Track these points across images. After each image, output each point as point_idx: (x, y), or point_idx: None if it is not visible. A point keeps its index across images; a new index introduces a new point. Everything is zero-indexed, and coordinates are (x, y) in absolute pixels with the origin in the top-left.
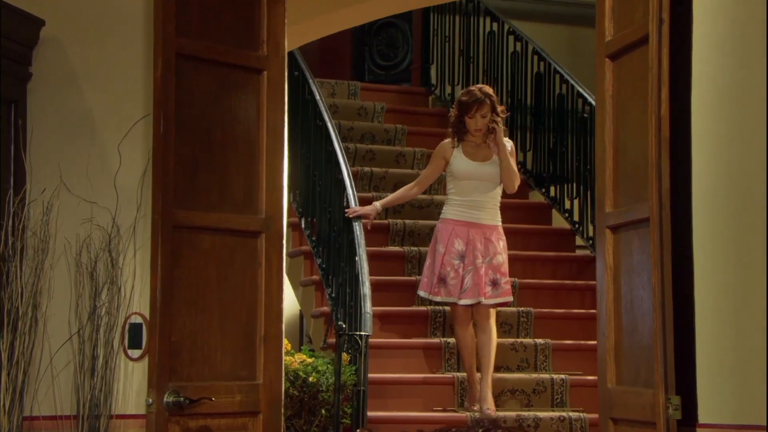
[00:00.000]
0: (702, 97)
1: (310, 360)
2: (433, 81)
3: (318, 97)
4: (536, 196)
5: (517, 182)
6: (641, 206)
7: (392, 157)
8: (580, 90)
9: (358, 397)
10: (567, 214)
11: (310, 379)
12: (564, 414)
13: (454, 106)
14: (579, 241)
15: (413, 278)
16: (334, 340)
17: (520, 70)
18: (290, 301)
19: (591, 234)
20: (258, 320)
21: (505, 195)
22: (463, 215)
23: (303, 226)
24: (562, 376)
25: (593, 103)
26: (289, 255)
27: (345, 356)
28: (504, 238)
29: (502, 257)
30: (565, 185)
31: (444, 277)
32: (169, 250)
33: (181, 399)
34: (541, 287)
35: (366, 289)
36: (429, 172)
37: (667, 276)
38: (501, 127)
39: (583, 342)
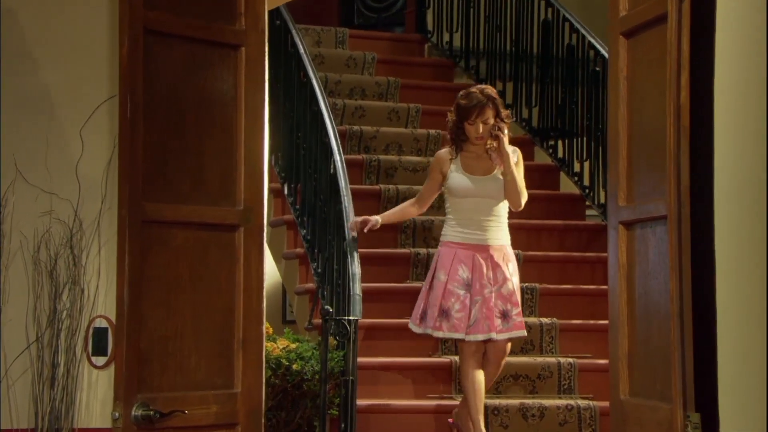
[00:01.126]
0: (726, 83)
1: (293, 345)
2: (430, 27)
3: (302, 51)
4: (542, 157)
5: (524, 199)
6: (658, 202)
7: (384, 114)
8: (592, 40)
9: (346, 387)
10: (576, 178)
11: (294, 366)
12: (572, 402)
13: (451, 110)
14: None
15: (407, 251)
16: (320, 320)
17: (526, 17)
18: (272, 275)
19: (603, 200)
20: (236, 322)
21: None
22: (465, 237)
23: (286, 192)
24: (570, 360)
25: (606, 55)
26: (270, 224)
27: (332, 340)
28: (514, 258)
29: (512, 283)
30: (575, 146)
31: (447, 309)
32: (137, 247)
33: (151, 413)
34: (546, 260)
35: (355, 267)
36: (428, 188)
37: (686, 281)
38: (506, 135)
39: (593, 321)
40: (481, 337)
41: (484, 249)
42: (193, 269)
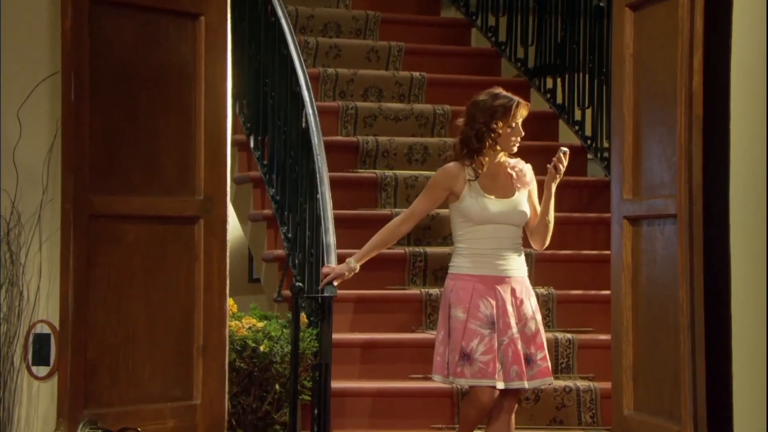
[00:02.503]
0: (743, 67)
1: (260, 324)
2: None
3: None
4: (539, 103)
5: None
6: (667, 199)
7: (362, 54)
8: None
9: (320, 371)
10: (577, 127)
11: (261, 348)
12: (570, 384)
13: (470, 113)
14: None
15: (388, 212)
16: (290, 291)
17: None
18: (236, 237)
19: (606, 152)
20: (195, 326)
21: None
22: (485, 268)
23: (252, 145)
24: (569, 336)
25: None
26: (234, 181)
27: (304, 317)
28: (533, 292)
29: (536, 323)
30: (576, 91)
31: (470, 352)
32: (83, 245)
33: (99, 431)
34: None
35: (330, 237)
36: (424, 205)
37: (698, 289)
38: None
39: (594, 292)
40: (515, 384)
41: (505, 281)
42: (147, 268)
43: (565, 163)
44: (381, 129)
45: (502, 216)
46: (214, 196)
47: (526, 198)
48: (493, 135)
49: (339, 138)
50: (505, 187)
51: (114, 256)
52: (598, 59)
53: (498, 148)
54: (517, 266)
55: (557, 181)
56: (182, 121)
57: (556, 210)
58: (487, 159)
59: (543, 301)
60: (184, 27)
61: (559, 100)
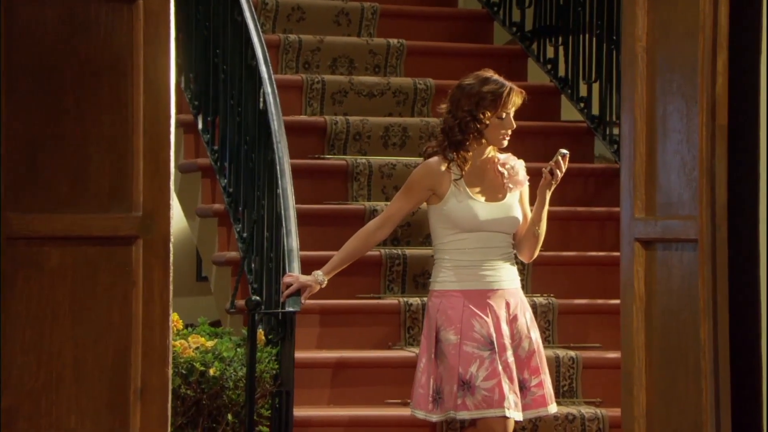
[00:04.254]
0: None
1: (209, 344)
2: None
3: None
4: (538, 75)
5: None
6: (686, 221)
7: (330, 16)
8: None
9: (280, 399)
10: (582, 104)
11: (211, 371)
12: (573, 410)
13: (455, 98)
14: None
15: (361, 206)
16: (245, 305)
17: None
18: (182, 230)
19: (616, 133)
20: (132, 365)
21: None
22: (474, 282)
23: (200, 127)
24: (572, 354)
25: None
26: (179, 169)
27: (261, 333)
28: (528, 306)
29: (530, 342)
30: (580, 62)
31: (469, 379)
32: None
33: None
34: None
35: (293, 241)
36: (402, 207)
37: (723, 328)
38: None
39: (602, 301)
40: (519, 415)
41: (497, 294)
42: (74, 299)
43: (564, 168)
44: (352, 107)
45: (493, 223)
46: (156, 211)
47: (518, 200)
48: (479, 126)
49: (303, 118)
50: (495, 187)
51: (34, 286)
52: (607, 22)
53: (484, 141)
54: (509, 277)
55: (553, 187)
56: (117, 123)
57: (558, 203)
58: (470, 154)
59: (542, 312)
60: (119, 13)
61: (561, 73)
